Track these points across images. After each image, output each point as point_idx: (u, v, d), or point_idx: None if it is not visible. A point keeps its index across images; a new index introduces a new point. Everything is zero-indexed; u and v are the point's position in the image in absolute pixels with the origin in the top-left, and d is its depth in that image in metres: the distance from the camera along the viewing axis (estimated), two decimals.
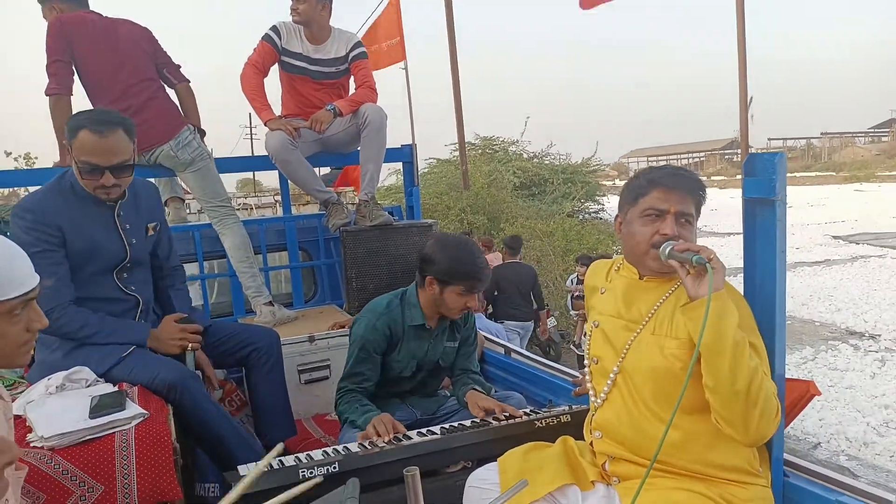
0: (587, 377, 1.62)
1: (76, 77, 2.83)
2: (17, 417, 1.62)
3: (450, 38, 10.70)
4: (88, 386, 1.85)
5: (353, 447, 1.80)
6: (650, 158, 63.28)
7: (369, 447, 1.79)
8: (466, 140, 12.01)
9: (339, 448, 1.80)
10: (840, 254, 14.06)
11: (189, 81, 3.14)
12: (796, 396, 1.68)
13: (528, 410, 2.08)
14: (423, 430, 1.93)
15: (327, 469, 1.63)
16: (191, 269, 3.12)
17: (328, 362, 2.81)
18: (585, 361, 1.65)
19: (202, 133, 3.11)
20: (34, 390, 1.81)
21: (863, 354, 6.99)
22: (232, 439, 2.01)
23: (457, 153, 12.77)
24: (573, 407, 2.03)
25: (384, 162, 3.35)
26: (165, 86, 3.05)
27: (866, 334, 7.80)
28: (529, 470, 1.51)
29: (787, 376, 1.52)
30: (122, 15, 2.99)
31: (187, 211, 4.30)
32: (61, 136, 2.00)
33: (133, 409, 1.68)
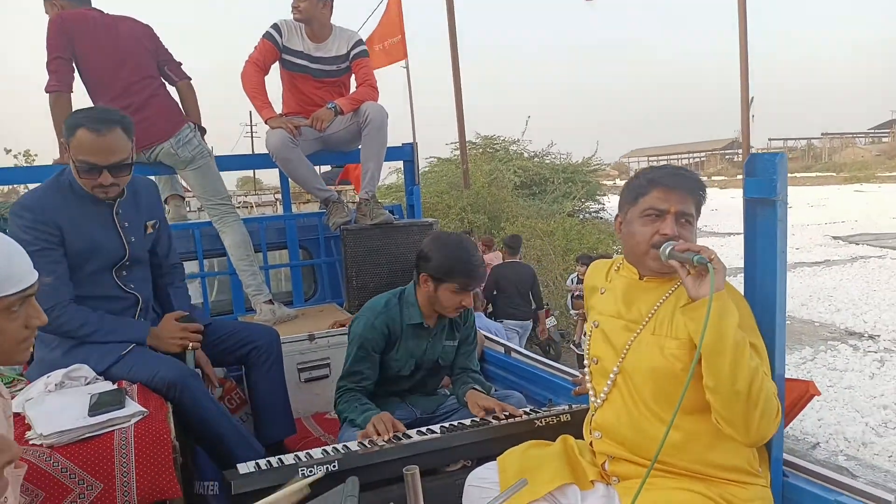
0: (587, 377, 1.62)
1: (77, 74, 2.83)
2: (16, 415, 1.62)
3: (451, 35, 10.70)
4: (88, 384, 1.84)
5: (353, 446, 1.80)
6: (651, 158, 63.27)
7: (369, 446, 1.79)
8: (467, 139, 12.01)
9: (339, 447, 1.80)
10: (840, 254, 14.07)
11: (190, 79, 3.14)
12: (796, 396, 1.68)
13: (527, 409, 2.08)
14: (423, 429, 1.94)
15: (327, 467, 1.63)
16: (191, 267, 3.12)
17: (328, 361, 2.80)
18: (585, 361, 1.64)
19: (203, 131, 3.11)
20: (33, 388, 1.80)
21: (862, 355, 7.00)
22: (231, 438, 2.01)
23: (457, 152, 12.78)
24: (573, 406, 2.03)
25: (385, 160, 3.35)
26: (166, 83, 3.05)
27: (865, 335, 7.81)
28: (529, 469, 1.51)
29: (786, 376, 1.52)
30: (123, 12, 2.99)
31: (187, 209, 4.29)
32: (61, 134, 1.99)
33: (132, 407, 1.68)
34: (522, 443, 1.65)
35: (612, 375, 1.52)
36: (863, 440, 4.95)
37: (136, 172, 2.07)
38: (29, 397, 1.75)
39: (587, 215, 14.81)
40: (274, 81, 3.35)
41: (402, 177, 4.12)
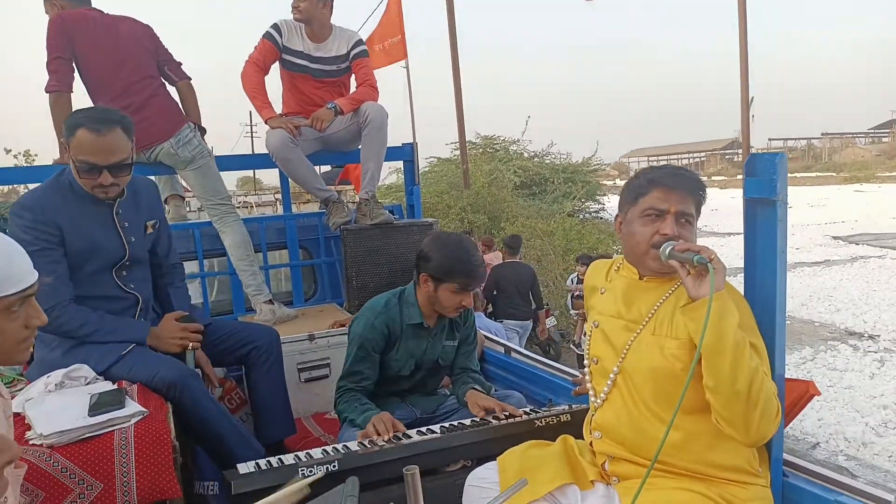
0: (587, 377, 1.62)
1: (77, 74, 2.83)
2: (16, 415, 1.62)
3: (451, 35, 10.70)
4: (88, 384, 1.84)
5: (353, 446, 1.80)
6: (651, 158, 63.28)
7: (369, 446, 1.79)
8: (467, 139, 12.01)
9: (339, 447, 1.80)
10: (840, 254, 14.07)
11: (190, 79, 3.14)
12: (796, 396, 1.68)
13: (527, 409, 2.08)
14: (423, 429, 1.94)
15: (327, 467, 1.63)
16: (191, 267, 3.12)
17: (328, 361, 2.80)
18: (585, 361, 1.64)
19: (203, 131, 3.11)
20: (33, 388, 1.80)
21: (862, 355, 7.00)
22: (231, 438, 2.01)
23: (457, 152, 12.78)
24: (573, 406, 2.03)
25: (385, 160, 3.35)
26: (166, 83, 3.05)
27: (865, 335, 7.81)
28: (529, 469, 1.51)
29: (786, 376, 1.52)
30: (123, 12, 2.98)
31: (187, 209, 4.29)
32: (61, 134, 1.99)
33: (132, 407, 1.68)
34: (522, 443, 1.65)
35: (612, 375, 1.52)
36: (863, 440, 4.95)
37: (136, 172, 2.07)
38: (29, 397, 1.75)
39: (587, 215, 14.81)
40: (274, 81, 3.36)
41: (402, 177, 4.12)
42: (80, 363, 1.89)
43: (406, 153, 3.61)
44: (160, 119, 2.89)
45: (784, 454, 1.52)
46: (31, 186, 2.45)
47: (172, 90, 3.07)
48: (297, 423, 2.50)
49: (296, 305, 3.42)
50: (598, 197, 15.64)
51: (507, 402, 2.13)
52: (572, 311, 7.49)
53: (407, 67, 11.12)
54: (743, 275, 1.52)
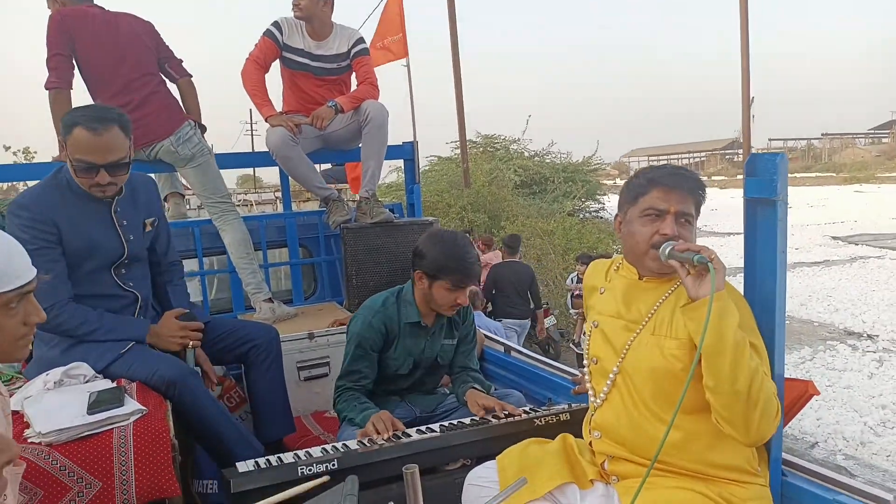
0: (586, 377, 1.62)
1: (77, 71, 2.82)
2: (14, 413, 1.62)
3: (452, 35, 10.70)
4: (87, 382, 1.84)
5: (352, 444, 1.80)
6: (651, 158, 63.26)
7: (368, 445, 1.79)
8: (468, 138, 12.01)
9: (338, 445, 1.80)
10: (839, 254, 14.07)
11: (191, 76, 3.14)
12: (795, 396, 1.68)
13: (527, 409, 2.08)
14: (423, 428, 1.94)
15: (326, 466, 1.63)
16: (190, 265, 3.12)
17: (327, 359, 2.80)
18: (585, 361, 1.64)
19: (203, 128, 3.10)
20: (32, 386, 1.80)
21: (861, 355, 7.00)
22: (231, 436, 2.01)
23: (458, 151, 12.76)
24: (573, 405, 2.04)
25: (385, 159, 3.34)
26: (167, 80, 3.04)
27: (864, 335, 7.81)
28: (528, 468, 1.51)
29: (785, 376, 1.52)
30: (124, 9, 2.97)
31: (187, 207, 4.29)
32: (60, 131, 1.99)
33: (131, 406, 1.68)
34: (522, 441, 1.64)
35: (611, 375, 1.52)
36: (861, 439, 4.96)
37: (136, 170, 2.06)
38: (28, 395, 1.75)
39: (587, 215, 14.80)
40: (274, 79, 3.36)
41: (403, 175, 4.11)
42: (79, 361, 1.88)
43: (406, 152, 3.61)
44: (160, 116, 2.88)
45: (783, 453, 1.52)
46: (31, 183, 2.44)
47: (173, 87, 3.07)
48: (297, 421, 2.50)
49: (295, 304, 3.42)
50: (598, 196, 15.63)
51: (507, 401, 2.13)
52: (572, 311, 7.49)
53: (408, 66, 11.09)
54: (743, 275, 1.52)
